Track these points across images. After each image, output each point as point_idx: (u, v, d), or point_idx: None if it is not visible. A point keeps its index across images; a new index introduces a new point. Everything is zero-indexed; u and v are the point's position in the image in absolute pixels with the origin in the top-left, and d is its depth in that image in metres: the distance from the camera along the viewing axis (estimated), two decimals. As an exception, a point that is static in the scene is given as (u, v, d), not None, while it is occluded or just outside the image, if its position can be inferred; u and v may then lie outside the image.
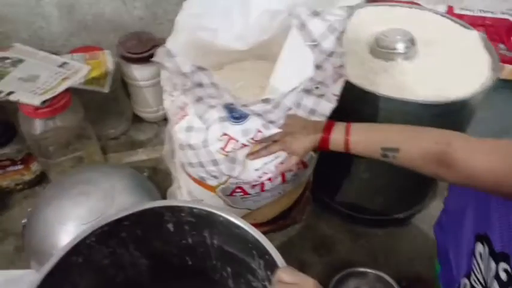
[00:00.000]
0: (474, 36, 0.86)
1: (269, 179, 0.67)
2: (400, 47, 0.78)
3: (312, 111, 0.65)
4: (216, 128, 0.59)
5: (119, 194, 0.88)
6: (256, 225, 0.84)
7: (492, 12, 1.38)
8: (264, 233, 0.83)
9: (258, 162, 0.64)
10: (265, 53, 0.73)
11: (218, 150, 0.59)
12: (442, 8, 1.34)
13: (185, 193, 0.76)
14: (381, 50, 0.79)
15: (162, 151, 0.76)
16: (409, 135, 0.57)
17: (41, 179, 1.05)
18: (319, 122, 0.61)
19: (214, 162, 0.60)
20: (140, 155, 1.15)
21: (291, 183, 0.74)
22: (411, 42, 0.79)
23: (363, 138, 0.58)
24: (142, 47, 1.05)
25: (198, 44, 0.62)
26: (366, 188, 0.92)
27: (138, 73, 1.08)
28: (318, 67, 0.58)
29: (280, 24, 0.60)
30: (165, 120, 1.23)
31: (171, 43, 0.58)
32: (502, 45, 1.37)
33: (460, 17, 1.36)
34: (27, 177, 1.01)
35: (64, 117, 0.93)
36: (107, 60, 1.03)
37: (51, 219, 0.84)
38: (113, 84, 1.04)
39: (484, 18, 1.38)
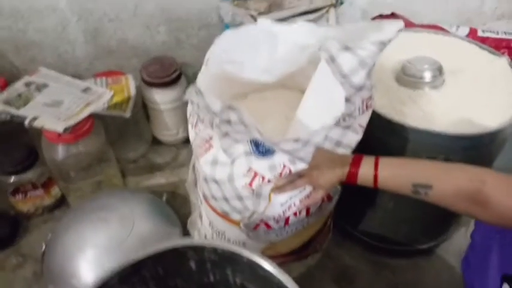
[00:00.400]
0: (503, 63, 0.84)
1: (294, 214, 0.66)
2: (428, 75, 0.77)
3: (338, 143, 0.63)
4: (242, 162, 0.57)
5: (138, 221, 0.88)
6: (277, 257, 0.82)
7: (516, 35, 1.35)
8: (284, 263, 0.82)
9: (283, 197, 0.62)
10: (289, 83, 0.72)
11: (244, 186, 0.58)
12: (465, 31, 1.32)
13: (206, 224, 0.75)
14: (407, 78, 0.78)
15: (186, 182, 0.75)
16: (441, 171, 0.54)
17: (61, 203, 1.05)
18: (346, 156, 0.59)
19: (239, 198, 0.59)
20: (159, 179, 1.15)
21: (315, 216, 0.72)
22: (439, 70, 0.77)
23: (392, 173, 0.56)
24: (164, 72, 1.06)
25: (224, 76, 0.61)
26: (390, 217, 0.90)
27: (159, 97, 1.08)
28: (346, 100, 0.57)
29: (308, 56, 0.59)
30: (184, 143, 1.24)
31: (201, 80, 0.58)
32: (527, 69, 1.34)
33: (484, 39, 1.33)
34: (47, 201, 1.02)
35: (86, 142, 0.93)
36: (130, 85, 1.03)
37: (70, 246, 0.84)
38: (134, 108, 1.04)
39: (509, 40, 1.35)
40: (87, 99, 0.96)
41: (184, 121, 1.17)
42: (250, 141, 0.59)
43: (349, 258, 0.99)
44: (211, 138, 0.62)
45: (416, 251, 0.96)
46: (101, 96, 0.97)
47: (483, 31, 1.32)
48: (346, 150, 0.64)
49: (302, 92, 0.75)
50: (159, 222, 0.91)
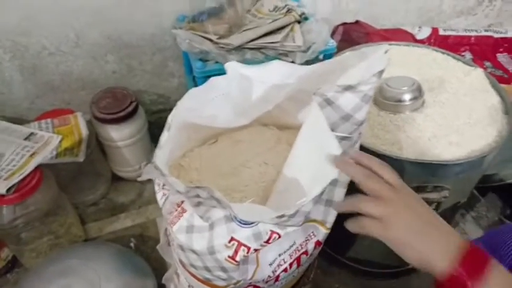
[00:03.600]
0: (479, 74, 0.80)
1: (284, 270, 0.59)
2: (407, 97, 0.72)
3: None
4: (223, 230, 0.49)
5: (106, 282, 0.77)
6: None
7: (476, 31, 1.36)
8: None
9: (271, 256, 0.55)
10: (264, 119, 0.65)
11: (227, 259, 0.50)
12: (427, 31, 1.30)
13: (185, 284, 0.66)
14: (387, 102, 0.72)
15: (157, 245, 0.66)
16: None
17: (13, 264, 0.93)
18: (453, 233, 0.43)
19: (223, 269, 0.51)
20: (123, 221, 1.04)
21: (307, 263, 0.66)
22: (418, 91, 0.72)
23: None
24: (118, 106, 0.95)
25: (192, 127, 0.53)
26: (378, 244, 0.84)
27: (116, 134, 0.97)
28: (345, 138, 0.50)
29: (286, 94, 0.52)
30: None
31: (159, 156, 0.49)
32: (488, 63, 1.35)
33: (446, 38, 1.33)
34: (-3, 266, 0.89)
35: (35, 198, 0.81)
36: (80, 125, 0.92)
37: (29, 324, 0.73)
38: (87, 148, 0.93)
39: (469, 37, 1.35)
40: (32, 148, 0.83)
41: (147, 152, 1.08)
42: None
43: (337, 285, 0.94)
44: (182, 202, 0.54)
45: (406, 271, 0.93)
46: (48, 143, 0.85)
47: (444, 30, 1.32)
48: (340, 189, 0.57)
49: (278, 127, 0.69)
50: (129, 278, 0.81)
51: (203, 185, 0.44)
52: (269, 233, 0.49)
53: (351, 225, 0.47)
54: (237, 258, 0.49)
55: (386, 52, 0.51)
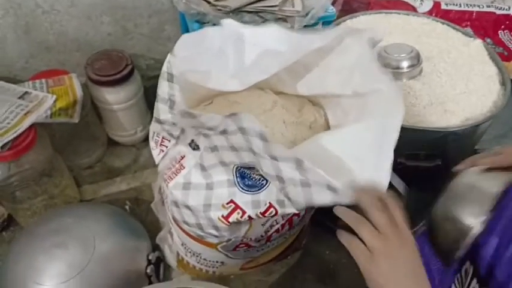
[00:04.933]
0: (477, 45, 0.80)
1: (276, 231, 0.60)
2: (405, 64, 0.71)
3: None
4: (223, 192, 0.50)
5: (100, 241, 0.78)
6: (257, 265, 0.77)
7: (478, 6, 1.34)
8: (263, 267, 0.77)
9: (264, 218, 0.56)
10: (261, 84, 0.65)
11: (220, 219, 0.50)
12: (429, 4, 1.29)
13: (178, 243, 0.68)
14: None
15: (152, 203, 0.66)
16: None
17: (9, 223, 0.93)
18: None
19: (216, 228, 0.52)
20: (119, 185, 1.05)
21: (298, 225, 0.67)
22: (417, 59, 0.72)
23: None
24: (114, 68, 0.94)
25: (187, 85, 0.52)
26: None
27: (111, 97, 0.96)
28: None
29: (283, 64, 0.52)
30: (144, 142, 1.13)
31: (177, 95, 0.48)
32: (489, 40, 1.34)
33: (447, 12, 1.31)
34: (-7, 224, 0.90)
35: (29, 157, 0.81)
36: (74, 86, 0.91)
37: (24, 279, 0.74)
38: (82, 110, 0.93)
39: (471, 12, 1.33)
40: (26, 107, 0.83)
41: (143, 118, 1.08)
42: (236, 171, 0.51)
43: (330, 253, 0.96)
44: (183, 157, 0.54)
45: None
46: (43, 102, 0.85)
47: (446, 4, 1.30)
48: None
49: (276, 92, 0.68)
50: (123, 238, 0.82)
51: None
52: (267, 205, 0.50)
53: (342, 237, 0.49)
54: (230, 220, 0.50)
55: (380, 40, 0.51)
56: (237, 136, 0.46)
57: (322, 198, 0.46)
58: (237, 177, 0.50)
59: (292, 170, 0.45)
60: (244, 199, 0.49)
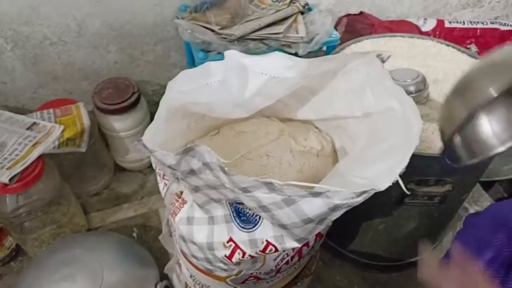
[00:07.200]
0: (483, 67, 0.79)
1: (286, 263, 0.59)
2: (412, 90, 0.71)
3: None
4: (222, 228, 0.49)
5: (108, 272, 0.78)
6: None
7: (482, 23, 1.34)
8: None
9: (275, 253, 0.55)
10: (266, 112, 0.65)
11: (224, 258, 0.49)
12: (433, 23, 1.29)
13: (187, 275, 0.67)
14: (390, 94, 0.72)
15: (160, 235, 0.66)
16: None
17: (17, 252, 0.93)
18: None
19: (224, 263, 0.51)
20: (126, 211, 1.04)
21: (308, 255, 0.66)
22: (423, 83, 0.72)
23: None
24: (121, 96, 0.95)
25: (192, 116, 0.52)
26: (380, 238, 0.85)
27: (118, 124, 0.97)
28: None
29: (289, 90, 0.51)
30: (150, 167, 1.14)
31: (148, 134, 0.48)
32: (494, 56, 1.33)
33: (451, 30, 1.31)
34: (1, 254, 0.90)
35: (38, 188, 0.81)
36: (82, 115, 0.91)
37: (32, 312, 0.74)
38: (90, 138, 0.93)
39: (475, 29, 1.33)
40: (34, 138, 0.84)
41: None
42: (230, 206, 0.50)
43: (340, 278, 0.95)
44: (182, 192, 0.53)
45: (408, 264, 0.93)
46: (50, 133, 0.85)
47: (450, 22, 1.30)
48: None
49: (282, 119, 0.68)
50: (131, 268, 0.81)
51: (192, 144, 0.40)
52: (265, 243, 0.48)
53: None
54: (233, 260, 0.49)
55: (387, 59, 0.51)
56: (206, 174, 0.43)
57: (316, 208, 0.42)
58: (232, 211, 0.49)
59: (268, 194, 0.42)
60: (241, 237, 0.48)
